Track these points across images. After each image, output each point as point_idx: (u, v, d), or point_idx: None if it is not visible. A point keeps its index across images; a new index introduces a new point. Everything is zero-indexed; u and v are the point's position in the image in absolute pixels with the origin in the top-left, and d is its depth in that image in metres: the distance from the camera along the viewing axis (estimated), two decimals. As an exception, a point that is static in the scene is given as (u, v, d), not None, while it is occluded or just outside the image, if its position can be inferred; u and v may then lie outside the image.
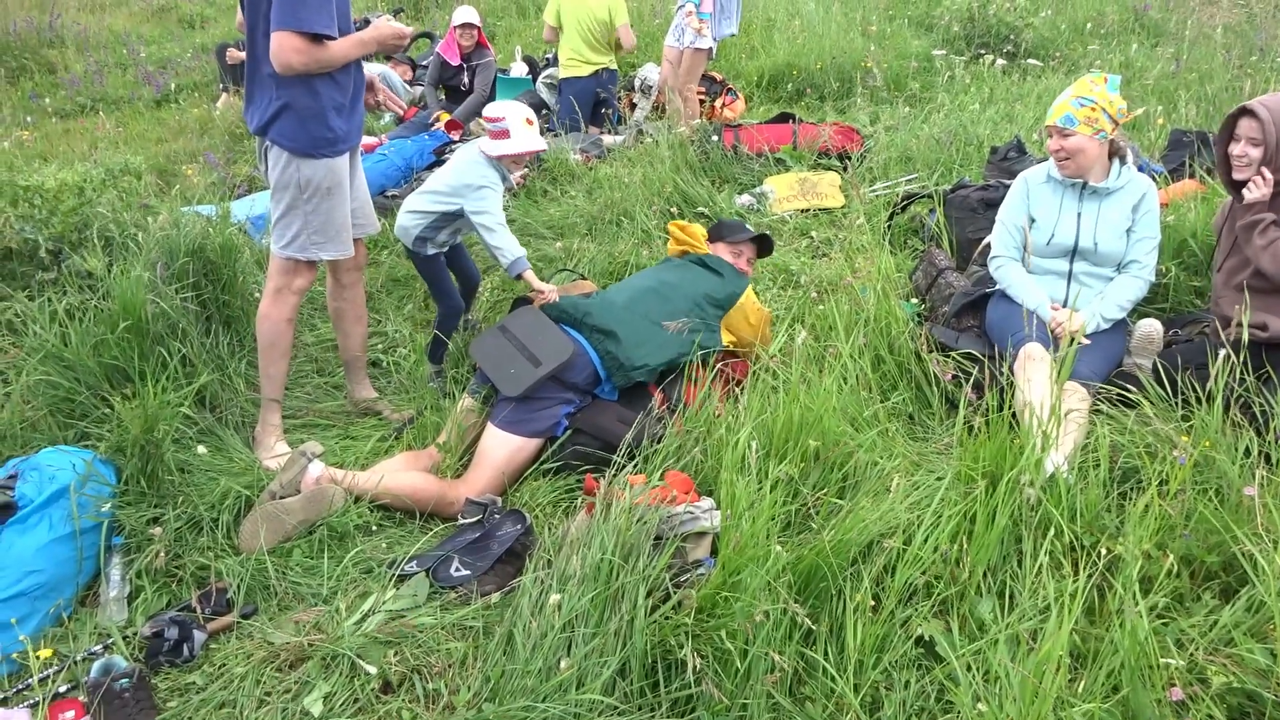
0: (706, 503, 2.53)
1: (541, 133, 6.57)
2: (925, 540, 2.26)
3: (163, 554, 2.60)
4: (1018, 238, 3.37)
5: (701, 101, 6.89)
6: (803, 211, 5.00)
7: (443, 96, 7.60)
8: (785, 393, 2.68)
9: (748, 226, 3.74)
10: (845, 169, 5.42)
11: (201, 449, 3.13)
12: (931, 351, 3.24)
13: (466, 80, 7.35)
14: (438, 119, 6.55)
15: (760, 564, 2.03)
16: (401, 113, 3.50)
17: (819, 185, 5.16)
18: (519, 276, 3.45)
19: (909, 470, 2.62)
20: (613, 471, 2.53)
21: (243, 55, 3.26)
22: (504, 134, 3.52)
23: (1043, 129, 3.31)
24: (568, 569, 2.25)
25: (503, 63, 8.57)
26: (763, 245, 3.77)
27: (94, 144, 6.94)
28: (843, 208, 5.05)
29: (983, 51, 7.58)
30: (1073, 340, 2.75)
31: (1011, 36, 7.83)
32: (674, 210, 4.80)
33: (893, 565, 2.24)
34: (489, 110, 3.56)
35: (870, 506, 2.27)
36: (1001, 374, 2.95)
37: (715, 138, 5.40)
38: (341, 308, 3.59)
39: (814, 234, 4.78)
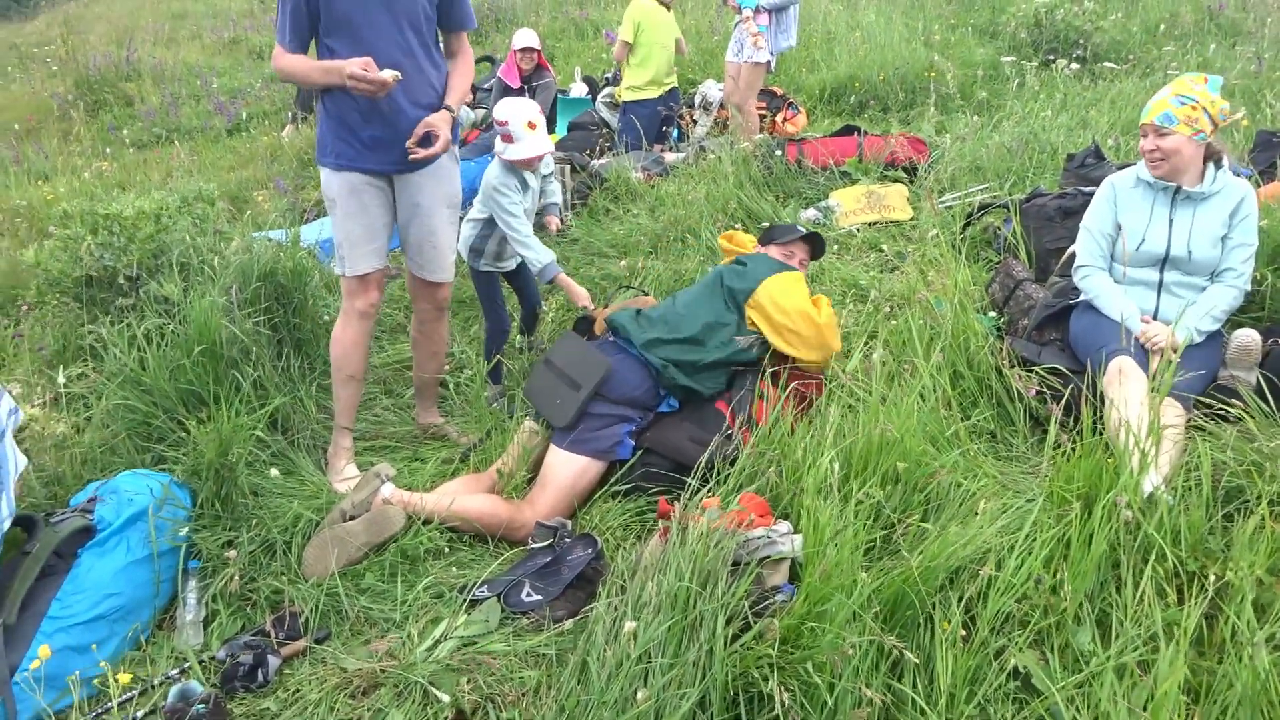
0: (784, 526, 2.45)
1: (601, 153, 6.61)
2: (1018, 566, 2.15)
3: (237, 578, 2.61)
4: (1104, 245, 3.23)
5: (762, 116, 6.83)
6: (870, 224, 4.89)
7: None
8: (865, 412, 2.58)
9: (798, 227, 3.65)
10: (913, 180, 5.30)
11: (275, 472, 3.15)
12: (1013, 367, 3.12)
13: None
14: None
15: (847, 593, 1.95)
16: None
17: (886, 198, 5.05)
18: (552, 281, 3.45)
19: (996, 492, 2.51)
20: (687, 494, 2.46)
21: None
22: (508, 138, 3.56)
23: (1139, 126, 3.16)
24: (643, 595, 2.19)
25: (563, 83, 8.62)
26: (814, 245, 3.67)
27: (169, 173, 7.14)
28: (911, 220, 4.93)
29: (1052, 57, 7.38)
30: (1168, 355, 2.61)
31: (1081, 41, 7.62)
32: (738, 227, 4.74)
33: (984, 592, 2.14)
34: (496, 112, 3.59)
35: (959, 531, 2.16)
36: (1090, 390, 2.82)
37: (779, 152, 5.33)
38: (419, 339, 3.60)
39: (884, 247, 4.67)
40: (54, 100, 9.85)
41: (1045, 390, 3.09)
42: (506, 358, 4.06)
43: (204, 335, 3.21)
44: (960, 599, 2.12)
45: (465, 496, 2.91)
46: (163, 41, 12.30)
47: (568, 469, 2.93)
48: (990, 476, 2.60)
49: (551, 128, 7.43)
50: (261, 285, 3.69)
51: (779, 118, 6.96)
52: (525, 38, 7.15)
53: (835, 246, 4.74)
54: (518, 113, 3.54)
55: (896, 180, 5.25)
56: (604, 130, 6.85)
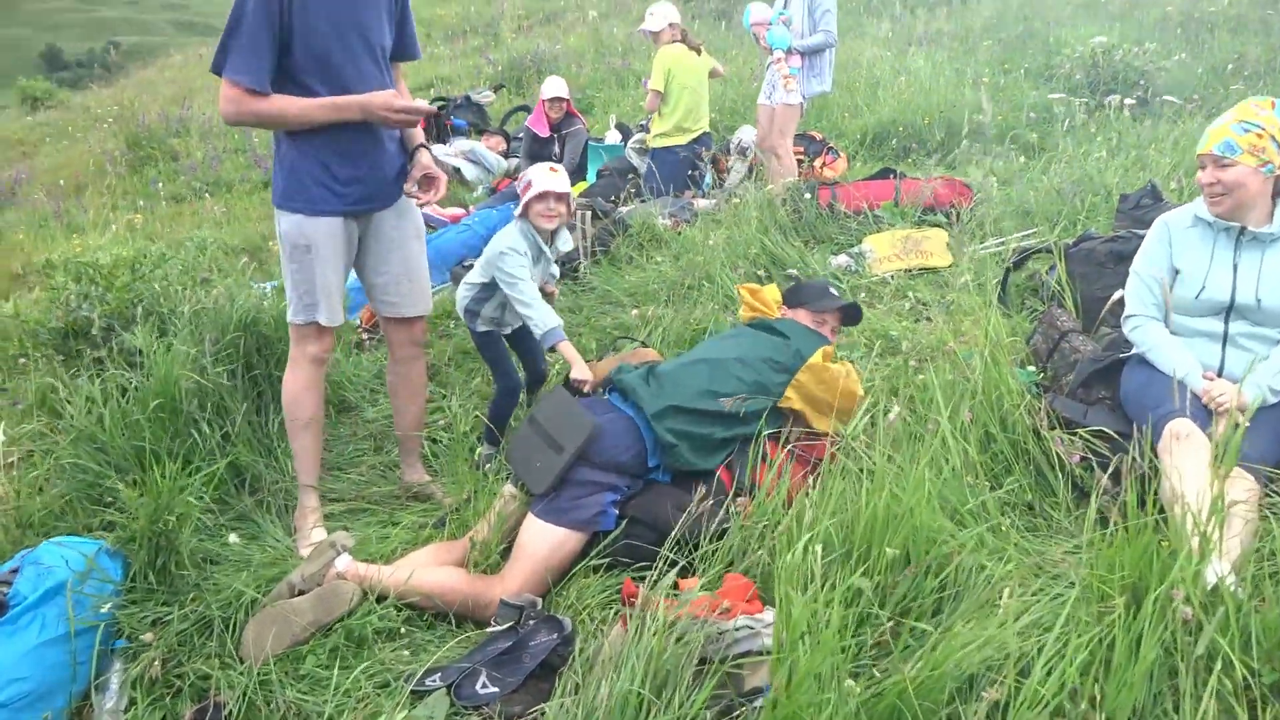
0: (769, 615, 2.09)
1: (628, 199, 6.38)
2: (1047, 674, 1.76)
3: (159, 663, 2.33)
4: (1158, 293, 2.84)
5: (800, 161, 6.53)
6: (906, 272, 4.53)
7: (534, 168, 7.51)
8: (870, 480, 2.22)
9: (832, 290, 3.30)
10: (953, 225, 4.93)
11: (234, 537, 2.90)
12: (1054, 428, 2.73)
13: (557, 150, 7.25)
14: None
15: (821, 709, 1.58)
16: (426, 201, 3.14)
17: (924, 243, 4.69)
18: (553, 349, 3.17)
19: (1025, 578, 2.11)
20: (655, 574, 2.12)
21: None
22: (527, 187, 3.35)
23: (1197, 157, 2.78)
24: (595, 698, 1.85)
25: (598, 132, 8.47)
26: (850, 314, 3.34)
27: (200, 225, 7.11)
28: (951, 266, 4.56)
29: (1108, 101, 6.98)
30: (1235, 418, 2.21)
31: (1141, 82, 7.21)
32: (760, 273, 4.43)
33: (1003, 705, 1.75)
34: (523, 175, 3.43)
35: (972, 629, 1.78)
36: (1142, 457, 2.42)
37: (809, 195, 5.02)
38: (396, 383, 3.36)
39: (914, 294, 4.30)
40: (105, 158, 10.03)
41: (1091, 456, 2.69)
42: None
43: (164, 389, 2.99)
44: (975, 715, 1.74)
45: (425, 569, 2.61)
46: (216, 99, 12.56)
47: (543, 541, 2.61)
48: (1020, 558, 2.20)
49: (582, 175, 7.25)
50: (240, 336, 3.48)
51: (817, 163, 6.67)
52: (554, 87, 7.02)
53: (865, 295, 4.39)
54: (539, 166, 3.43)
55: (936, 225, 4.89)
56: (631, 176, 6.63)
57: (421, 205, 3.07)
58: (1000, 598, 1.93)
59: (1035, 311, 3.81)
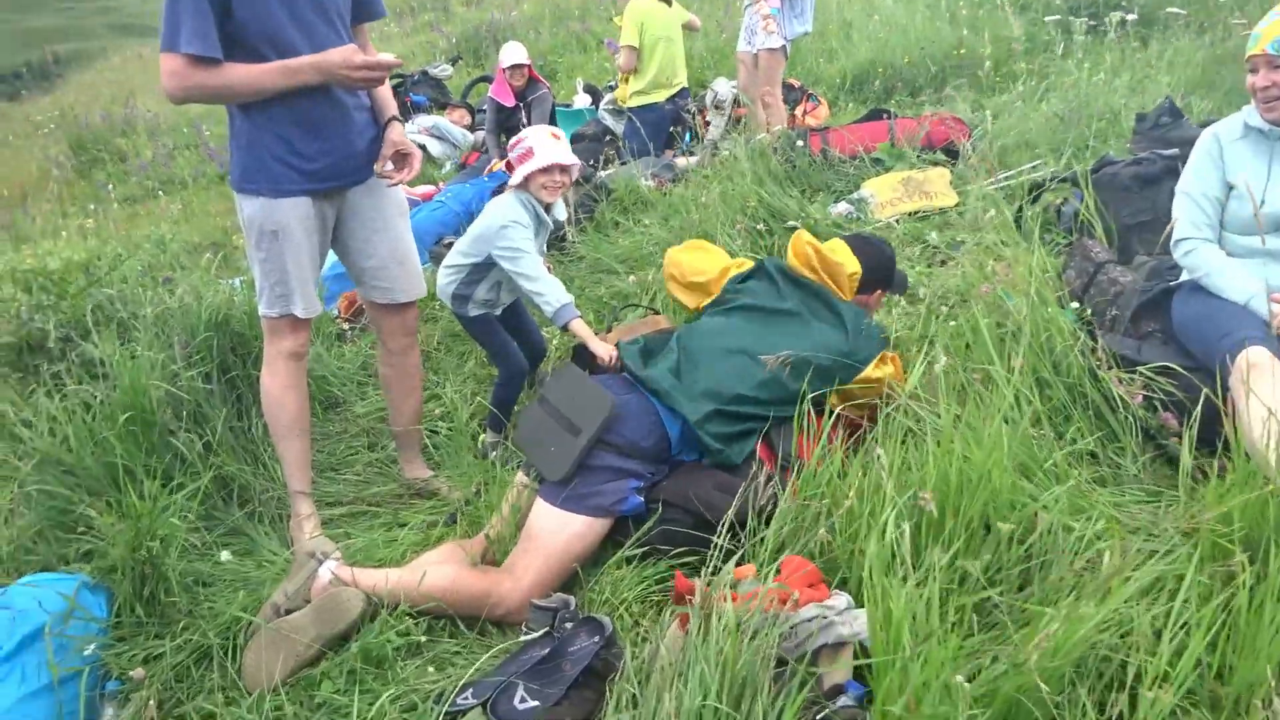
0: (841, 600, 1.87)
1: (607, 162, 6.09)
2: (1173, 646, 1.55)
3: (154, 703, 2.07)
4: (1211, 212, 2.62)
5: (781, 111, 6.27)
6: (911, 214, 4.30)
7: (505, 140, 7.20)
8: (937, 443, 2.00)
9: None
10: (954, 163, 4.70)
11: (226, 555, 2.65)
12: (1112, 368, 2.51)
13: (525, 118, 6.93)
14: (493, 165, 6.13)
15: (936, 705, 1.36)
16: (396, 182, 2.81)
17: (927, 183, 4.46)
18: (565, 328, 2.89)
19: (1120, 539, 1.90)
20: (709, 568, 1.89)
21: None
22: (527, 154, 3.03)
23: (1246, 60, 2.54)
24: (659, 713, 1.62)
25: (565, 98, 8.15)
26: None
27: (156, 224, 6.74)
28: (958, 206, 4.33)
29: (1094, 23, 6.74)
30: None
31: (1124, 3, 6.97)
32: (760, 227, 4.18)
33: (1127, 686, 1.54)
34: (512, 141, 3.11)
35: (1095, 605, 1.55)
36: (1217, 393, 2.21)
37: (801, 143, 4.76)
38: (390, 376, 3.10)
39: (931, 237, 4.08)
40: (49, 164, 9.57)
41: (1151, 395, 2.49)
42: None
43: (133, 400, 2.71)
44: (1094, 697, 1.53)
45: (434, 568, 2.36)
46: (164, 96, 12.06)
47: (559, 531, 2.36)
48: (1110, 517, 1.99)
49: (554, 143, 6.94)
50: (212, 336, 3.19)
51: (798, 111, 6.40)
52: (512, 54, 6.68)
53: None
54: (537, 128, 3.12)
55: (936, 164, 4.66)
56: (609, 139, 6.33)
57: (393, 185, 2.78)
58: (1103, 563, 1.72)
59: (1058, 246, 3.59)
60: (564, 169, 3.06)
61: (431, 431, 3.46)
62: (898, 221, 4.29)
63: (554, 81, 9.11)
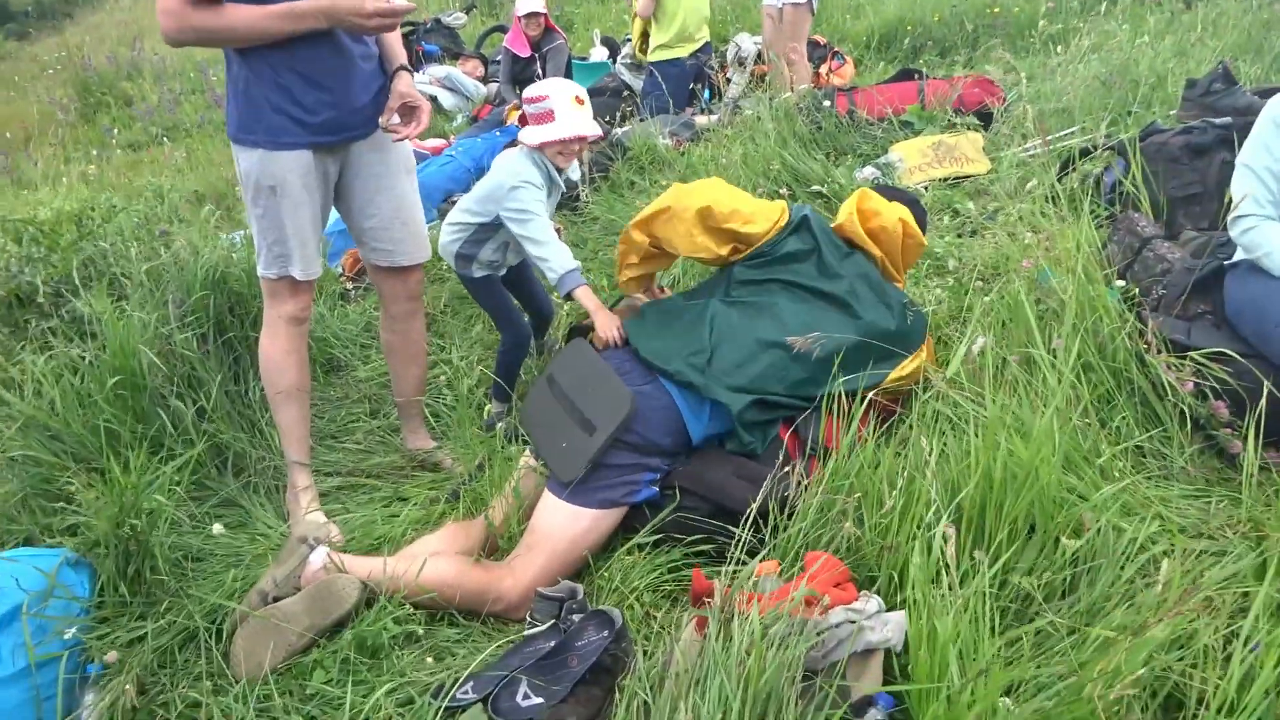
0: (872, 603, 1.73)
1: (624, 118, 5.87)
2: (1243, 669, 1.40)
3: (132, 689, 1.96)
4: (1276, 188, 2.43)
5: (804, 69, 6.03)
6: (942, 180, 4.11)
7: (519, 92, 6.98)
8: (980, 435, 1.84)
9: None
10: (987, 128, 4.49)
11: (218, 528, 2.52)
12: (1161, 352, 2.35)
13: (540, 70, 6.70)
14: (508, 114, 5.91)
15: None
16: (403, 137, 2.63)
17: (958, 148, 4.26)
18: (569, 296, 2.71)
19: (1175, 539, 1.75)
20: (730, 565, 1.76)
21: None
22: (547, 116, 2.78)
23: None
24: (674, 724, 1.50)
25: (581, 50, 7.90)
26: None
27: (159, 172, 6.57)
28: (991, 173, 4.13)
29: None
30: None
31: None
32: (783, 191, 3.99)
33: (1187, 708, 1.40)
34: (529, 90, 2.84)
35: (1162, 625, 1.41)
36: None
37: (827, 103, 4.55)
38: (393, 342, 2.95)
39: (965, 206, 3.88)
40: (54, 107, 9.37)
41: (1202, 382, 2.32)
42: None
43: (122, 363, 2.57)
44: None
45: (432, 558, 2.22)
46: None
47: (567, 526, 2.22)
48: (1165, 518, 1.84)
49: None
50: (209, 295, 3.05)
51: (823, 69, 6.16)
52: (528, 1, 6.44)
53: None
54: (562, 88, 2.81)
55: (969, 128, 4.45)
56: (626, 94, 6.11)
57: (400, 140, 2.61)
58: (1160, 570, 1.57)
59: (1099, 218, 3.40)
60: (584, 139, 2.86)
61: (436, 399, 3.33)
62: (927, 188, 4.09)
63: (570, 33, 8.84)
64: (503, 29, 8.13)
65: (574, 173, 3.06)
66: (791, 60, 5.23)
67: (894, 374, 2.38)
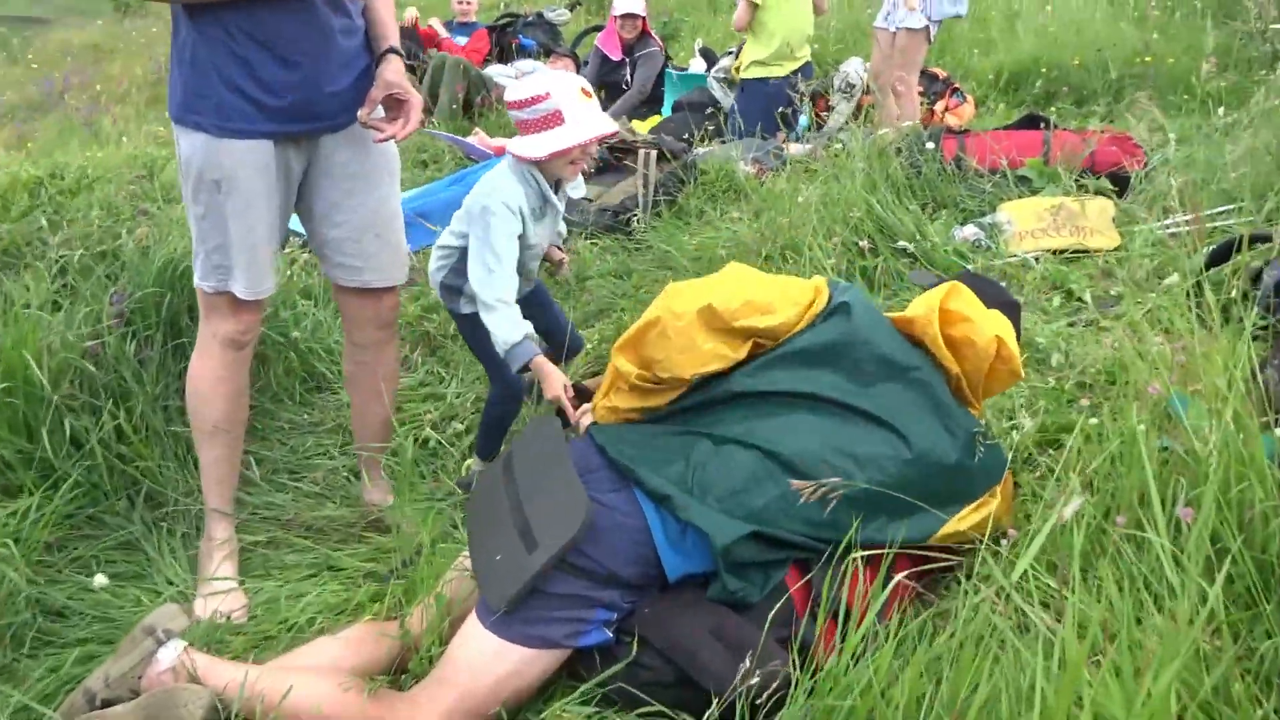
0: None
1: (703, 139, 5.31)
2: None
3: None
4: None
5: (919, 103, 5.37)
6: (1057, 252, 3.43)
7: (603, 97, 6.51)
8: (1051, 665, 1.23)
9: None
10: (1121, 194, 3.78)
11: (100, 579, 2.09)
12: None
13: (629, 76, 6.23)
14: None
15: None
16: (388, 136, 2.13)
17: (1081, 216, 3.57)
18: (523, 371, 2.21)
19: None
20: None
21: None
22: (553, 119, 2.19)
23: None
24: None
25: (683, 60, 7.40)
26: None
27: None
28: (1119, 250, 3.44)
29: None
30: None
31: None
32: (863, 244, 3.38)
33: None
34: (517, 91, 2.23)
35: None
36: None
37: (931, 145, 3.92)
38: (355, 374, 2.49)
39: (1075, 287, 3.22)
40: (154, 66, 9.37)
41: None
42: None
43: (9, 368, 2.15)
44: None
45: (311, 678, 1.72)
46: None
47: (489, 663, 1.69)
48: None
49: (655, 108, 6.21)
50: (163, 294, 2.62)
51: (939, 106, 5.50)
52: (627, 2, 5.97)
53: (1003, 280, 3.32)
54: (561, 80, 2.25)
55: (1098, 193, 3.75)
56: (709, 111, 5.57)
57: (383, 140, 2.12)
58: None
59: (1260, 329, 2.69)
60: (602, 140, 2.32)
61: (422, 442, 2.85)
62: (1037, 259, 3.42)
63: (674, 42, 8.37)
64: (600, 29, 7.70)
65: (577, 190, 2.53)
66: (898, 92, 4.61)
67: (949, 527, 1.77)
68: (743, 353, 1.90)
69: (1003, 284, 2.95)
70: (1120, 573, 1.69)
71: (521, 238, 2.29)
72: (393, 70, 2.12)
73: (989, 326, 1.86)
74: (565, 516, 1.68)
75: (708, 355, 1.87)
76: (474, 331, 2.52)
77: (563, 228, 2.61)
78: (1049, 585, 1.56)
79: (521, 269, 2.35)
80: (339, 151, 2.17)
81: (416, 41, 6.96)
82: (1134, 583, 1.64)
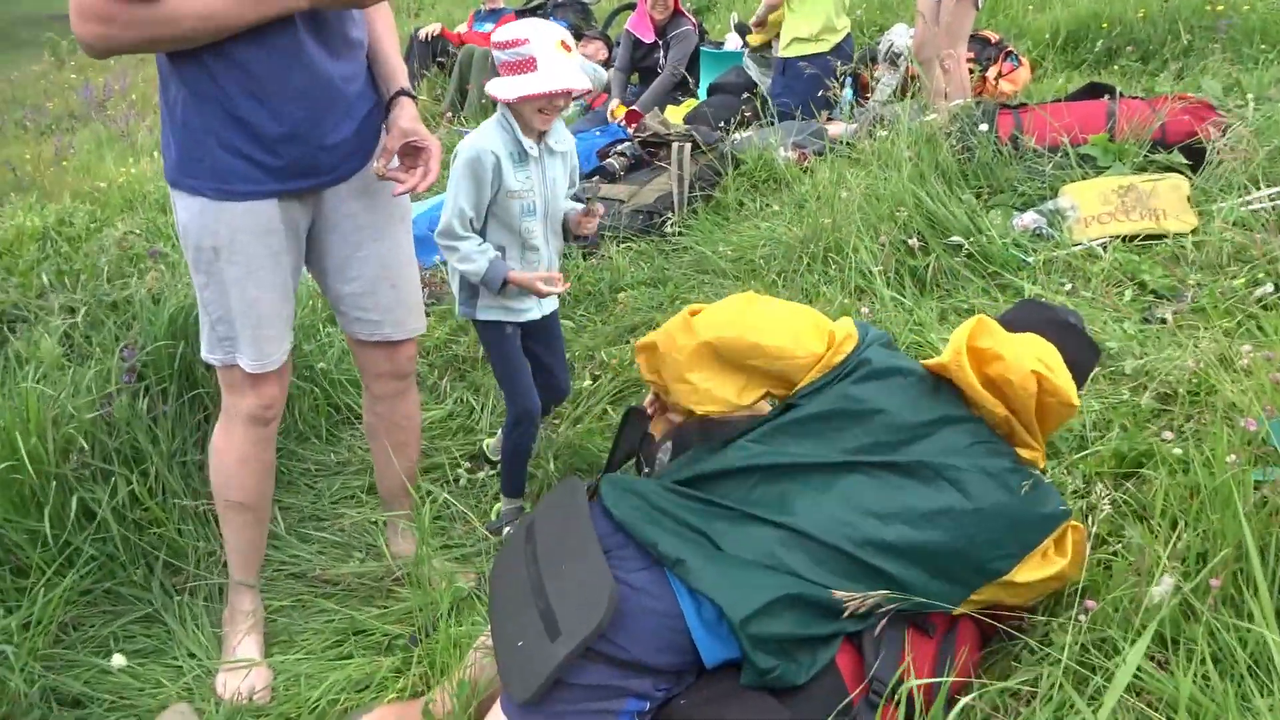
0: None
1: (744, 122, 5.06)
2: None
3: None
4: None
5: (970, 71, 5.03)
6: (1128, 239, 3.15)
7: (636, 82, 6.29)
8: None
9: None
10: (1197, 170, 3.46)
11: (118, 660, 2.01)
12: None
13: (663, 59, 5.99)
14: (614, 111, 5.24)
15: None
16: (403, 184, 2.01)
17: (1152, 196, 3.27)
18: (504, 288, 2.29)
19: None
20: None
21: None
22: (526, 65, 2.16)
23: None
24: None
25: (718, 36, 7.12)
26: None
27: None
28: (1196, 233, 3.15)
29: None
30: None
31: None
32: (912, 242, 3.15)
33: None
34: (503, 33, 2.22)
35: None
36: None
37: (984, 126, 3.63)
38: (374, 426, 2.38)
39: (1148, 278, 2.95)
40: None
41: None
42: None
43: (14, 447, 2.06)
44: None
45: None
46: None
47: (517, 759, 1.56)
48: None
49: (691, 91, 5.97)
50: (175, 345, 2.52)
51: (991, 73, 5.17)
52: (656, -19, 5.74)
53: (1063, 274, 3.07)
54: (543, 29, 2.24)
55: (1170, 169, 3.44)
56: (746, 96, 5.31)
57: (402, 193, 1.98)
58: None
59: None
60: (569, 95, 2.25)
61: (453, 480, 2.73)
62: (1105, 248, 3.15)
63: (708, 16, 8.06)
64: (632, 8, 7.45)
65: (562, 141, 2.42)
66: (946, 68, 4.30)
67: (1021, 575, 1.59)
68: (748, 400, 1.80)
69: (1060, 301, 2.71)
70: (1216, 645, 1.49)
71: (500, 185, 2.26)
72: (407, 116, 1.98)
73: (1026, 360, 1.66)
74: (589, 601, 1.53)
75: (703, 395, 1.82)
76: (497, 341, 2.44)
77: (577, 179, 2.56)
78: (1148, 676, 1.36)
79: (508, 219, 2.31)
80: (345, 204, 2.04)
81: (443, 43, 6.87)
82: (1232, 659, 1.45)
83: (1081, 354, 1.84)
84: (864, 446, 1.65)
